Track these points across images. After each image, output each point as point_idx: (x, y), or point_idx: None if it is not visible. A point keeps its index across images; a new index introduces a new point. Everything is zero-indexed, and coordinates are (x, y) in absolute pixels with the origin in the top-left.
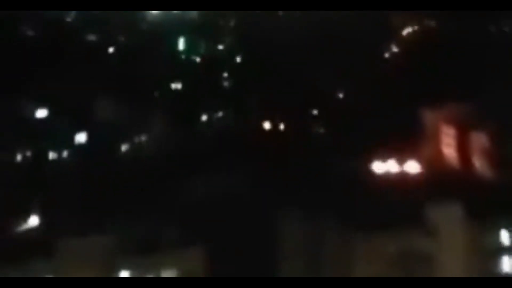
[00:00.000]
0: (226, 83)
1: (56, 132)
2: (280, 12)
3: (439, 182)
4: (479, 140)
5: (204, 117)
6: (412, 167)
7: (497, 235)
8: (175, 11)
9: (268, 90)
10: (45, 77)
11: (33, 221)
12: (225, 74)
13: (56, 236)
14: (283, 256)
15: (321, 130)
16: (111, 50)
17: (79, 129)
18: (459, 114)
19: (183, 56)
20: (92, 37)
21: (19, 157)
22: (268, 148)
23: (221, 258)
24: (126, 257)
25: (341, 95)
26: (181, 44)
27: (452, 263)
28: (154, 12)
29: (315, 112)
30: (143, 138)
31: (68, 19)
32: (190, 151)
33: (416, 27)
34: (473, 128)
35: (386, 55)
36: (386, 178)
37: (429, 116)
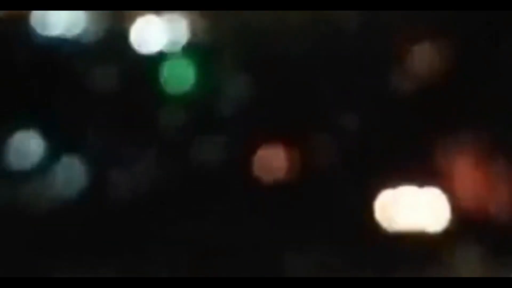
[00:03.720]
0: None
1: (49, 156)
2: (284, 32)
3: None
4: (496, 173)
5: (201, 145)
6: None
7: None
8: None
9: (270, 115)
10: (39, 97)
11: (28, 257)
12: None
13: (49, 272)
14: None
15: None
16: (103, 78)
17: (72, 155)
18: (475, 145)
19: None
20: (84, 65)
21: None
22: (270, 178)
23: None
24: None
25: (349, 122)
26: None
27: None
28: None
29: (322, 138)
30: (138, 167)
31: (60, 46)
32: (189, 181)
33: (429, 49)
34: (490, 161)
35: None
36: None
37: (443, 147)
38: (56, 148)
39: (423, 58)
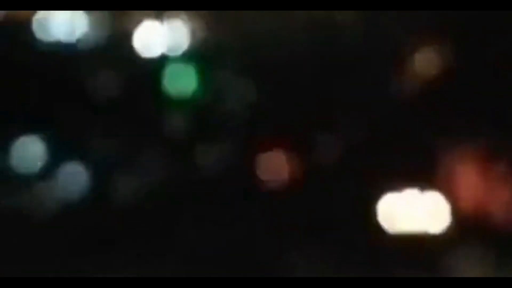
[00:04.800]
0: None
1: (51, 161)
2: (286, 33)
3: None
4: (499, 175)
5: (208, 146)
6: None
7: None
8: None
9: (275, 116)
10: (39, 105)
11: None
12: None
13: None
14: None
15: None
16: (108, 82)
17: (74, 159)
18: (477, 147)
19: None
20: (87, 69)
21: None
22: (273, 181)
23: None
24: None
25: (353, 122)
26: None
27: None
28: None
29: (325, 141)
30: (142, 168)
31: (63, 48)
32: (193, 181)
33: (431, 52)
34: (492, 162)
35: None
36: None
37: (444, 150)
38: (59, 153)
39: (425, 61)
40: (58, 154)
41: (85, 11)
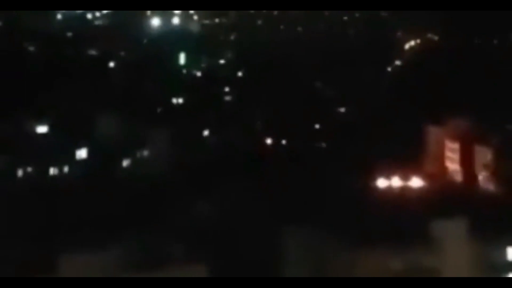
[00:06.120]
0: (227, 98)
1: (58, 147)
2: (282, 27)
3: (444, 197)
4: (483, 155)
5: (206, 132)
6: (416, 182)
7: (502, 251)
8: (176, 26)
9: (269, 104)
10: (47, 92)
11: (36, 237)
12: (227, 89)
13: (59, 252)
14: (286, 272)
15: (324, 145)
16: (112, 65)
17: (80, 144)
18: (463, 129)
19: (184, 71)
20: (93, 52)
21: (20, 173)
22: (270, 162)
23: (224, 274)
24: (129, 273)
25: (343, 110)
26: (183, 59)
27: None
28: (155, 27)
29: (317, 126)
30: (145, 153)
31: (69, 34)
32: (193, 165)
33: (418, 41)
34: (477, 143)
35: (389, 69)
36: (390, 193)
37: (433, 131)
38: (71, 133)
39: (417, 53)
40: (69, 135)
41: (86, 11)
